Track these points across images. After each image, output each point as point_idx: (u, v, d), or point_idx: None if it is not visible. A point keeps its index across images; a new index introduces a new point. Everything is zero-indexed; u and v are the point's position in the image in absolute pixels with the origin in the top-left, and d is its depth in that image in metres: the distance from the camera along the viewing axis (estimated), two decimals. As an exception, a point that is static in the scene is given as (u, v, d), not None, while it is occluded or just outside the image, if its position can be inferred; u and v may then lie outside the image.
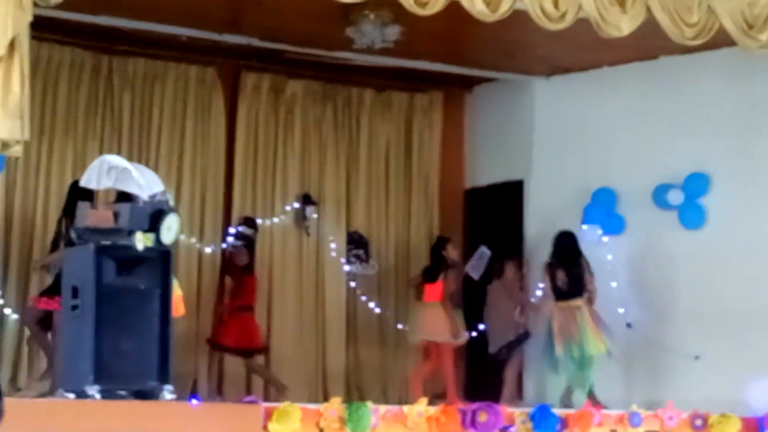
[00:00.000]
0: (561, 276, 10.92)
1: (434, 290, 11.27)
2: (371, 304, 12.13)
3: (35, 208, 11.07)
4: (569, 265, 10.92)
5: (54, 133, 11.19)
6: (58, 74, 11.25)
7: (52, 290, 9.34)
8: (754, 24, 9.68)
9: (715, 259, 11.12)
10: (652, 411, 9.74)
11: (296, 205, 12.01)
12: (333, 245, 12.16)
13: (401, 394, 11.68)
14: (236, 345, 11.09)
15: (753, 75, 10.96)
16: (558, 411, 9.31)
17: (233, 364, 11.40)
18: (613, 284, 11.42)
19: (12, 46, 7.81)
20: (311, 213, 12.05)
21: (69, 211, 9.15)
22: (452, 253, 11.45)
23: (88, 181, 8.25)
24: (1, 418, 5.62)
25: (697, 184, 11.33)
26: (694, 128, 11.37)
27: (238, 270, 11.31)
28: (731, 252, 11.05)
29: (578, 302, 10.83)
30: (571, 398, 10.75)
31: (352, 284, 12.13)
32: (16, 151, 8.06)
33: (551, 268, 10.98)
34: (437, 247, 11.58)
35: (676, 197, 11.43)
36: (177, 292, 8.66)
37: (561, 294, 10.89)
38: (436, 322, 11.19)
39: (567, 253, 10.99)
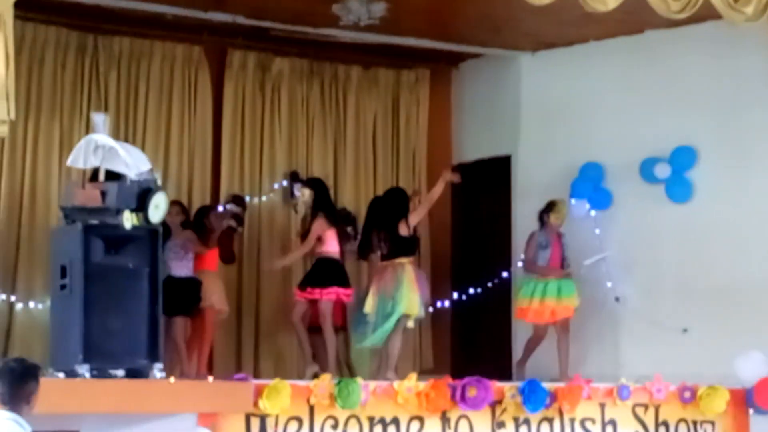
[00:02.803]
0: (381, 237, 10.66)
1: None
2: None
3: (22, 189, 11.04)
4: (384, 227, 10.65)
5: (40, 113, 11.13)
6: (44, 54, 11.19)
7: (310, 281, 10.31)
8: (739, -3, 9.68)
9: (703, 233, 11.15)
10: (641, 384, 9.79)
11: (284, 182, 11.99)
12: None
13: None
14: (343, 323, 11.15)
15: (738, 48, 10.97)
16: (547, 385, 9.36)
17: (221, 342, 11.41)
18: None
19: (-4, 25, 7.79)
20: (299, 190, 12.01)
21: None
22: (214, 221, 10.93)
23: (75, 160, 8.25)
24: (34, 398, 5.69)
25: (684, 158, 11.36)
26: (681, 102, 11.38)
27: None
28: (718, 225, 11.08)
29: (402, 260, 10.55)
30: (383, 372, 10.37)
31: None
32: (2, 131, 8.06)
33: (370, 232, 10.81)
34: (200, 215, 11.10)
35: (663, 171, 11.45)
36: None
37: (383, 255, 10.66)
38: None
39: (379, 215, 10.77)
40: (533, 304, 11.03)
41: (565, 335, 11.03)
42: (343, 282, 10.55)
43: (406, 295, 10.35)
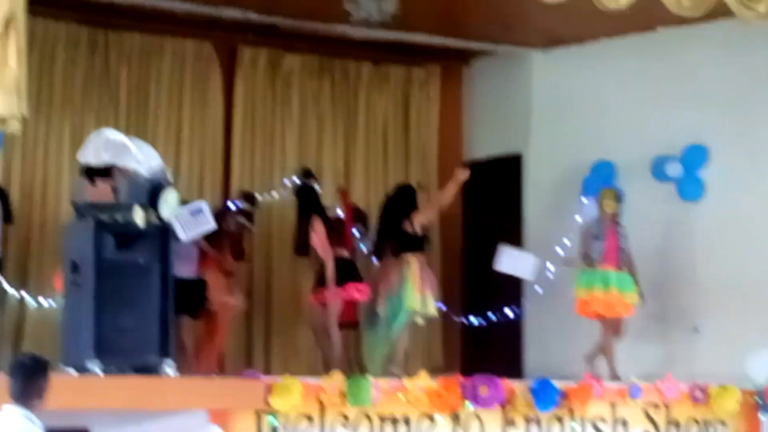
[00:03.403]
0: (388, 238, 10.66)
1: None
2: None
3: (33, 184, 11.05)
4: (391, 225, 10.64)
5: (51, 109, 11.14)
6: (55, 50, 11.20)
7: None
8: (752, -6, 9.65)
9: (714, 231, 11.12)
10: (652, 383, 9.76)
11: (295, 179, 11.93)
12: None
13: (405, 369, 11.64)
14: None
15: (751, 46, 10.94)
16: (558, 384, 9.33)
17: (232, 340, 11.38)
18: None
19: (8, 21, 7.75)
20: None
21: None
22: (226, 222, 10.85)
23: (86, 156, 8.24)
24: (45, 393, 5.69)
25: (695, 156, 11.33)
26: (692, 100, 11.35)
27: None
28: (730, 224, 11.05)
29: (408, 256, 10.46)
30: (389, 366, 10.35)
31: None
32: (14, 127, 8.03)
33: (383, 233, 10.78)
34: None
35: (674, 169, 11.42)
36: None
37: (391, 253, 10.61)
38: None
39: (387, 212, 10.76)
40: (596, 293, 10.59)
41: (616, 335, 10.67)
42: (356, 277, 10.51)
43: (411, 291, 10.33)
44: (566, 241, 11.46)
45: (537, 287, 11.57)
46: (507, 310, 11.78)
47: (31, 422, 5.69)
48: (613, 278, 10.62)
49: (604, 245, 10.70)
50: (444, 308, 11.80)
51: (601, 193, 10.93)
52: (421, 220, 10.61)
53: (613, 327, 10.72)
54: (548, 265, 11.41)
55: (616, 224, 10.83)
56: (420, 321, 10.61)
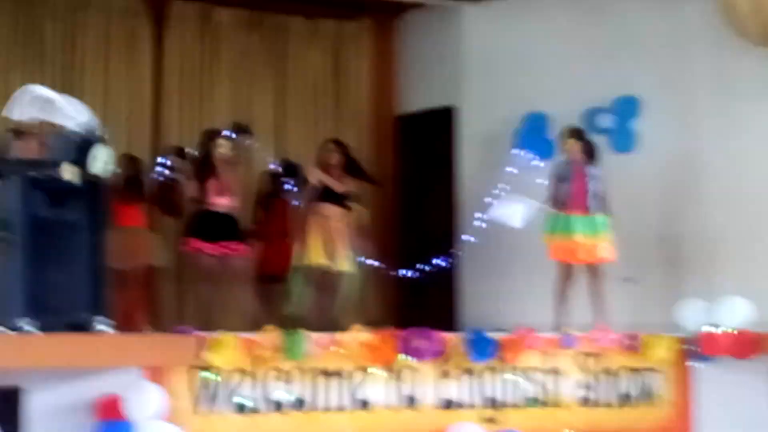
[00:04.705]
0: None
1: None
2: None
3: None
4: None
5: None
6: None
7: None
8: (683, -55, 9.68)
9: (646, 183, 11.15)
10: (585, 333, 9.83)
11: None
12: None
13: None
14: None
15: (681, -4, 10.98)
16: (492, 335, 9.35)
17: (165, 295, 11.30)
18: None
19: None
20: (246, 142, 11.81)
21: None
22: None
23: (10, 111, 8.09)
24: None
25: (627, 108, 11.34)
26: (624, 51, 11.35)
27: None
28: (662, 176, 11.10)
29: (322, 208, 10.66)
30: None
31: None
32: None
33: None
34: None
35: (605, 121, 11.44)
36: None
37: None
38: None
39: None
40: (556, 239, 10.20)
41: (594, 279, 10.28)
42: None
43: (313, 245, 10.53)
44: (497, 192, 11.47)
45: (471, 238, 11.59)
46: (440, 262, 11.80)
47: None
48: (578, 223, 10.20)
49: (570, 188, 10.22)
50: (377, 263, 11.82)
51: (561, 134, 10.51)
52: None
53: (567, 273, 10.35)
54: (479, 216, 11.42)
55: (585, 166, 10.30)
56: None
